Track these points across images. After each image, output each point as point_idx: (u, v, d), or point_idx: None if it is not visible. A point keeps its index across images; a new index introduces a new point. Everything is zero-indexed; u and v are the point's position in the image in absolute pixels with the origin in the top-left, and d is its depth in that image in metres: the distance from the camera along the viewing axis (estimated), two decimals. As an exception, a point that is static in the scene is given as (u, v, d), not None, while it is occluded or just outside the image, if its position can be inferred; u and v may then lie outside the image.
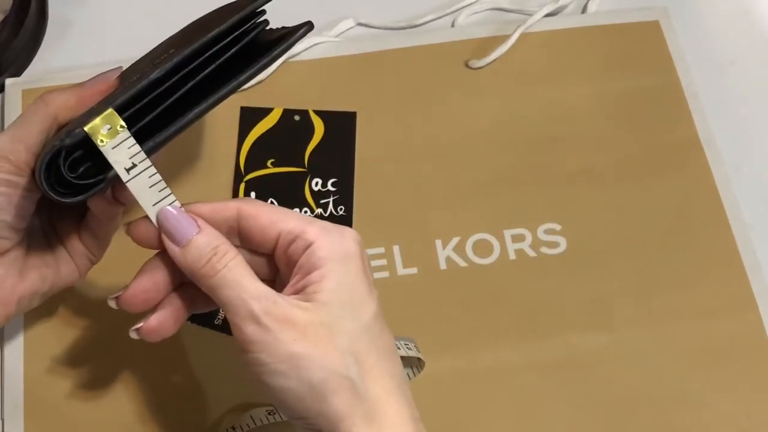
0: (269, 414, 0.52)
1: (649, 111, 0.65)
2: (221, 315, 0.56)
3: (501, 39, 0.66)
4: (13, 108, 0.63)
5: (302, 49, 0.65)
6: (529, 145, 0.63)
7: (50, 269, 0.49)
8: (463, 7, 0.69)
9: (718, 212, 0.61)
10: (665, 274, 0.59)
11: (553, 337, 0.56)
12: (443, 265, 0.58)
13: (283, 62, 0.64)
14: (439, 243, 0.59)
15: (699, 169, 0.63)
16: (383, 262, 0.58)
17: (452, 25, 0.69)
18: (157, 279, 0.42)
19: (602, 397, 0.55)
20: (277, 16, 0.69)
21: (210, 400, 0.54)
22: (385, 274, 0.58)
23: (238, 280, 0.39)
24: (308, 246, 0.39)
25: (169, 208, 0.40)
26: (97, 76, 0.48)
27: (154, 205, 0.40)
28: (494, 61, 0.65)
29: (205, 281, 0.40)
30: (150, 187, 0.40)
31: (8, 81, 0.64)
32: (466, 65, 0.66)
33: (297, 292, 0.39)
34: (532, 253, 0.59)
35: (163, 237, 0.40)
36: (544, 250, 0.59)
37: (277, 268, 0.42)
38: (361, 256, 0.40)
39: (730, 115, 0.66)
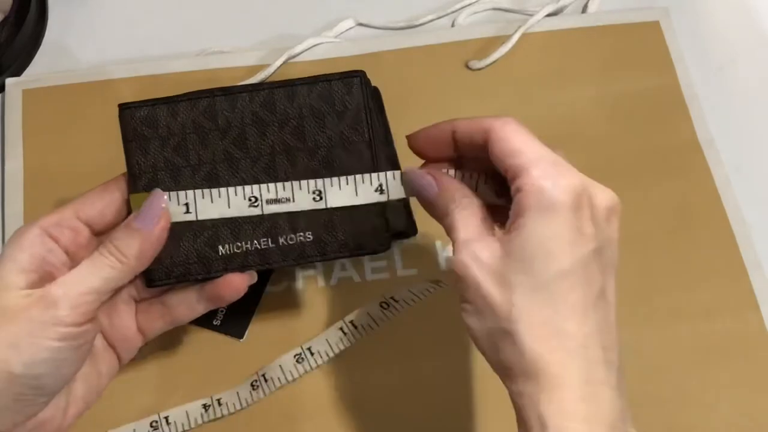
0: (297, 362, 0.52)
1: (649, 111, 0.65)
2: (221, 315, 0.56)
3: (501, 39, 0.66)
4: (14, 108, 0.63)
5: (303, 49, 0.65)
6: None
7: (92, 378, 0.46)
8: (463, 7, 0.69)
9: (718, 212, 0.61)
10: (665, 274, 0.59)
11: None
12: (443, 266, 0.58)
13: (284, 63, 0.64)
14: (438, 244, 0.59)
15: (699, 169, 0.63)
16: (383, 263, 0.59)
17: (452, 25, 0.69)
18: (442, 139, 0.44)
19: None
20: (277, 16, 0.69)
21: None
22: (386, 275, 0.58)
23: (456, 226, 0.41)
24: (521, 190, 0.39)
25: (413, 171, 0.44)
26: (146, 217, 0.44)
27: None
28: (495, 62, 0.65)
29: (441, 221, 0.43)
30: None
31: (8, 81, 0.64)
32: (467, 66, 0.66)
33: (509, 232, 0.40)
34: (532, 254, 0.59)
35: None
36: (544, 250, 0.59)
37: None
38: (571, 208, 0.39)
39: (730, 115, 0.66)
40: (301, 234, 0.46)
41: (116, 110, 0.46)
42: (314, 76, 0.46)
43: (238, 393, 0.53)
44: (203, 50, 0.67)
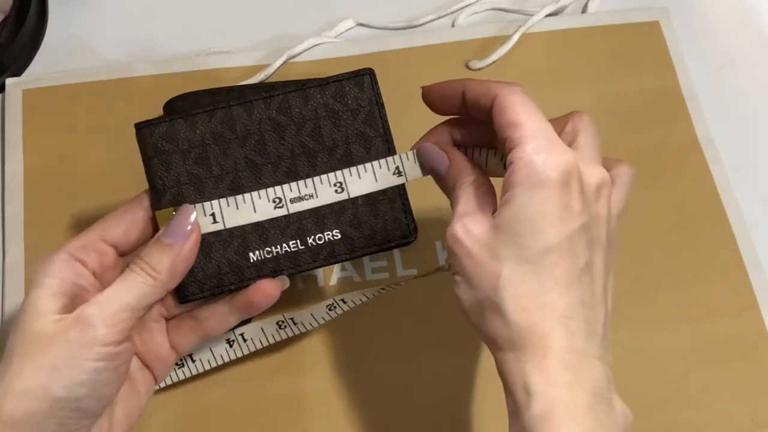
0: (330, 310, 0.52)
1: (649, 112, 0.65)
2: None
3: (501, 39, 0.66)
4: (14, 108, 0.63)
5: (303, 49, 0.65)
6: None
7: (131, 399, 0.46)
8: (463, 7, 0.69)
9: (718, 212, 0.61)
10: (665, 274, 0.59)
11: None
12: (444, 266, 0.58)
13: (284, 64, 0.64)
14: (438, 244, 0.59)
15: (698, 168, 0.63)
16: (383, 263, 0.59)
17: (452, 25, 0.69)
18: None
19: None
20: (277, 16, 0.69)
21: (210, 400, 0.54)
22: (385, 275, 0.58)
23: (458, 200, 0.43)
24: (513, 163, 0.40)
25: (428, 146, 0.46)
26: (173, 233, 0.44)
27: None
28: (495, 62, 0.65)
29: (448, 195, 0.45)
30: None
31: (8, 81, 0.64)
32: (467, 66, 0.66)
33: (500, 205, 0.41)
34: (532, 254, 0.59)
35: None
36: (544, 250, 0.59)
37: None
38: (559, 184, 0.39)
39: (730, 115, 0.66)
40: (329, 233, 0.46)
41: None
42: (325, 78, 0.47)
43: (262, 329, 0.52)
44: (203, 50, 0.67)
